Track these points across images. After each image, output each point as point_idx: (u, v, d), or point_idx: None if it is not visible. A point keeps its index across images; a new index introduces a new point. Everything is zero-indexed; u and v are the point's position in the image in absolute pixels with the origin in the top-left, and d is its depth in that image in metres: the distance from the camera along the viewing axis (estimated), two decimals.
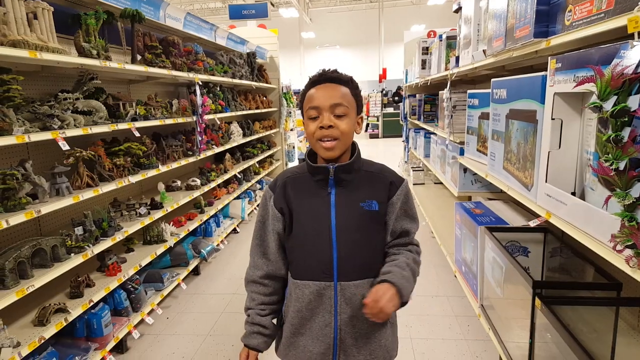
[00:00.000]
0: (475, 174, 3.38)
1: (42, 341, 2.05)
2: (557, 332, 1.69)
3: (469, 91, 3.35)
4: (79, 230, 2.42)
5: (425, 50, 5.42)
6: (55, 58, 2.24)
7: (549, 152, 1.81)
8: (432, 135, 5.13)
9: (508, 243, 2.53)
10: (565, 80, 1.68)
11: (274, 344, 1.45)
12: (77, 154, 2.47)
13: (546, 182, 1.84)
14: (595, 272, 2.10)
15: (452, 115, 3.75)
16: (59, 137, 2.20)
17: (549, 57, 1.80)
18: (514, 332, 2.33)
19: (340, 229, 1.28)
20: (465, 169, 3.46)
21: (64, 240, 2.28)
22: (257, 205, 6.14)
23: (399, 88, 15.89)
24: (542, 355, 1.98)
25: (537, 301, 1.84)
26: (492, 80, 2.60)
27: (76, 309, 2.28)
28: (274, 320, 1.43)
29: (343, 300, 1.28)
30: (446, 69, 4.10)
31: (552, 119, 1.79)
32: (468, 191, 3.57)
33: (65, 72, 2.78)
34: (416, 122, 6.38)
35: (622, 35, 1.51)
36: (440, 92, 4.47)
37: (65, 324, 2.19)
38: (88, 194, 2.42)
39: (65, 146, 2.22)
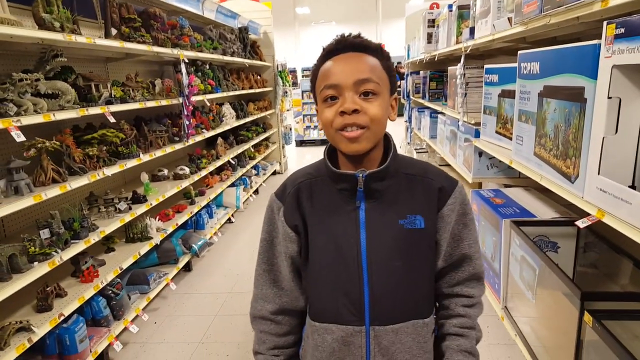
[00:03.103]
0: (492, 158, 3.06)
1: None
2: (612, 351, 1.40)
3: (486, 66, 3.00)
4: (44, 234, 2.09)
5: (432, 23, 5.02)
6: (7, 31, 1.87)
7: (603, 137, 1.49)
8: (439, 115, 4.79)
9: (536, 238, 2.24)
10: (631, 49, 1.34)
11: None
12: (39, 145, 2.12)
13: (599, 174, 1.52)
14: (634, 266, 1.89)
15: (465, 94, 3.40)
16: (12, 125, 1.84)
17: (605, 22, 1.46)
18: (542, 334, 2.06)
19: (374, 256, 0.95)
20: (481, 153, 3.14)
21: (25, 247, 1.95)
22: (254, 193, 5.81)
23: (399, 64, 15.38)
24: None
25: (587, 316, 1.54)
26: (520, 52, 2.26)
27: (43, 326, 1.97)
28: None
29: (378, 351, 0.96)
30: (457, 42, 3.73)
31: (609, 97, 1.46)
32: (483, 177, 3.26)
33: (26, 48, 2.41)
34: (420, 100, 6.03)
35: None
36: (450, 67, 4.11)
37: (28, 345, 1.88)
38: (53, 191, 2.08)
39: (20, 137, 1.87)
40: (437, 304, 1.09)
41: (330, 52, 0.94)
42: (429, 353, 1.02)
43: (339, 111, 0.90)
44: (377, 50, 0.95)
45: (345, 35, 0.96)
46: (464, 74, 3.40)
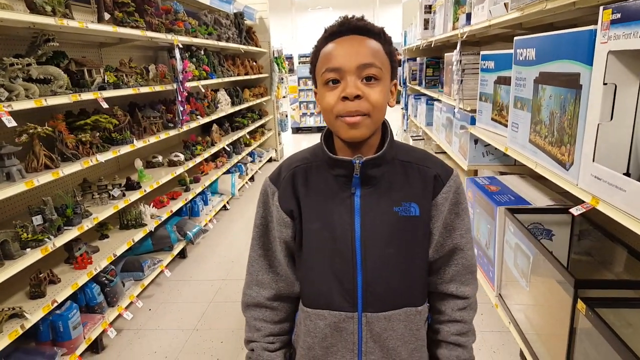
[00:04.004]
0: (487, 145, 3.06)
1: None
2: (604, 339, 1.41)
3: (482, 52, 2.97)
4: (37, 220, 2.08)
5: (428, 9, 4.97)
6: None
7: (598, 124, 1.48)
8: (435, 102, 4.77)
9: (530, 225, 2.25)
10: (627, 34, 1.33)
11: None
12: (31, 131, 2.09)
13: (593, 161, 1.51)
14: (629, 254, 1.89)
15: (462, 80, 3.38)
16: (3, 111, 1.82)
17: (601, 8, 1.44)
18: (536, 322, 2.07)
19: (368, 243, 0.94)
20: (477, 140, 3.13)
21: (17, 233, 1.94)
22: (249, 180, 5.79)
23: (395, 50, 15.25)
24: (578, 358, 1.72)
25: (581, 304, 1.55)
26: (516, 38, 2.24)
27: (36, 313, 1.97)
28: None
29: (370, 337, 0.95)
30: (454, 29, 3.70)
31: (604, 83, 1.45)
32: (479, 164, 3.25)
33: (18, 33, 2.37)
34: (417, 87, 6.00)
35: None
36: (446, 54, 4.08)
37: (21, 331, 1.88)
38: (45, 177, 2.06)
39: (11, 122, 1.84)
40: (432, 305, 1.07)
41: (332, 34, 0.92)
42: (422, 340, 1.01)
43: (341, 96, 0.88)
44: (379, 35, 0.93)
45: (349, 17, 0.93)
46: (460, 61, 3.37)
